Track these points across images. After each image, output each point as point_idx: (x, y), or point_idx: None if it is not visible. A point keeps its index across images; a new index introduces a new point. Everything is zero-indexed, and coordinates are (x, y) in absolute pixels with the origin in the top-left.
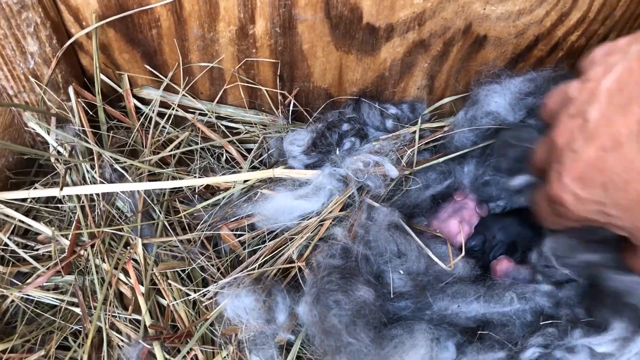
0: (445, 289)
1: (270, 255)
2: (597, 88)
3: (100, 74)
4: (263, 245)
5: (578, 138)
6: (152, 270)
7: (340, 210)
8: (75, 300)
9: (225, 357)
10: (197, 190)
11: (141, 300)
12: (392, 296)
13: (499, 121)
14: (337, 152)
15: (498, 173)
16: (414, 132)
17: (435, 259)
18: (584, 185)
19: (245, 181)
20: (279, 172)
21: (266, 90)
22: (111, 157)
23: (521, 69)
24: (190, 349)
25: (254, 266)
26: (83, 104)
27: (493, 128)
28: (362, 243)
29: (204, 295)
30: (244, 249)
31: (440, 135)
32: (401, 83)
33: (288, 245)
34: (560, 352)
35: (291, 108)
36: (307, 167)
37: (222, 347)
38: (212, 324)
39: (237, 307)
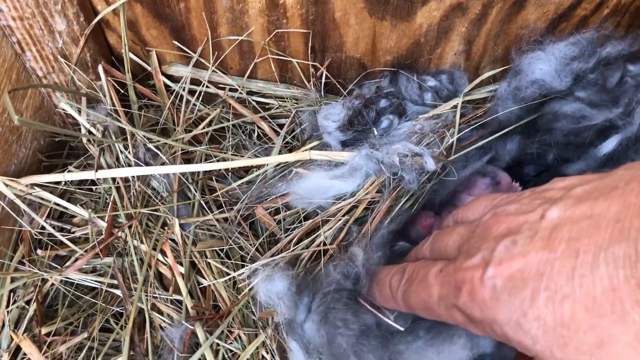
0: None
1: (305, 236)
2: (567, 191)
3: (129, 52)
4: (298, 224)
5: (526, 233)
6: (191, 250)
7: (377, 192)
8: (115, 282)
9: (265, 339)
10: (230, 169)
11: (180, 281)
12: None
13: (545, 90)
14: (375, 132)
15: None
16: (452, 107)
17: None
18: (512, 285)
19: (281, 150)
20: (315, 154)
21: (297, 62)
22: (144, 136)
23: (563, 30)
24: (235, 329)
25: (288, 248)
26: (113, 83)
27: (538, 100)
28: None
29: (240, 275)
30: (280, 229)
31: (482, 113)
32: (437, 49)
33: (322, 227)
34: None
35: (323, 80)
36: (343, 143)
37: (261, 330)
38: (253, 305)
39: (269, 291)
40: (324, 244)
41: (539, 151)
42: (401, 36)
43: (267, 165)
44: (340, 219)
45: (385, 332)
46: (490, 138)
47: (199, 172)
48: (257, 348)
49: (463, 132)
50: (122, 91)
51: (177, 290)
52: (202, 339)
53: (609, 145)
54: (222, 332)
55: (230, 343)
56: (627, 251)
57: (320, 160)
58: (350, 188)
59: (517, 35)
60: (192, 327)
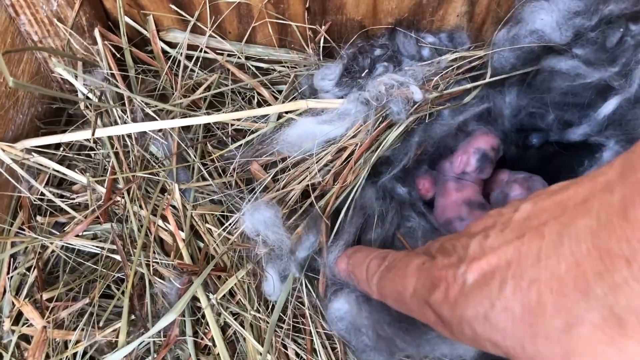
0: None
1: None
2: (543, 191)
3: (125, 16)
4: (289, 172)
5: (498, 228)
6: (191, 215)
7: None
8: (115, 247)
9: (247, 273)
10: (230, 133)
11: (182, 245)
12: None
13: (543, 41)
14: (369, 77)
15: (544, 107)
16: (450, 61)
17: None
18: (481, 280)
19: (278, 118)
20: (312, 103)
21: (296, 26)
22: (142, 101)
23: None
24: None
25: (278, 188)
26: (110, 47)
27: (536, 51)
28: None
29: (229, 231)
30: (274, 180)
31: (477, 56)
32: (440, 11)
33: (308, 169)
34: None
35: (322, 44)
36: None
37: (240, 266)
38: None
39: (256, 220)
40: (312, 179)
41: (540, 111)
42: None
43: (267, 125)
44: (328, 160)
45: None
46: (483, 82)
47: (197, 138)
48: (243, 277)
49: (460, 82)
50: (119, 56)
51: (179, 256)
52: (195, 285)
53: (609, 107)
54: (226, 296)
55: (224, 297)
56: (588, 223)
57: (312, 111)
58: (339, 132)
59: None
60: (181, 286)
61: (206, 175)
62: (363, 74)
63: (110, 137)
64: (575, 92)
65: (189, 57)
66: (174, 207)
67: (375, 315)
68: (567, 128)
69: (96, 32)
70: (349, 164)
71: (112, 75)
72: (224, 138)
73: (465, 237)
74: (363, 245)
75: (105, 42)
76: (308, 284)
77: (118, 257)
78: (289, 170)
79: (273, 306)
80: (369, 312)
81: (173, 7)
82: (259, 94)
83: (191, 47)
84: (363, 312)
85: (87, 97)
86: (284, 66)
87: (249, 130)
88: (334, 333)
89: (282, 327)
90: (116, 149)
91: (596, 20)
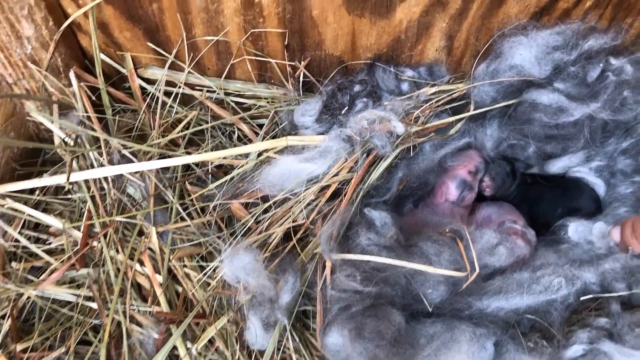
0: (486, 287)
1: (279, 222)
2: None
3: (102, 55)
4: (272, 212)
5: None
6: (170, 259)
7: (348, 172)
8: (92, 294)
9: (228, 320)
10: (210, 171)
11: (159, 291)
12: (431, 311)
13: (523, 75)
14: (349, 114)
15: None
16: (430, 94)
17: (451, 273)
18: None
19: (258, 155)
20: (292, 140)
21: (276, 62)
22: (119, 142)
23: (546, 23)
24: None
25: (259, 231)
26: (86, 89)
27: (516, 85)
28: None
29: (213, 275)
30: (256, 222)
31: (457, 90)
32: (418, 45)
33: (292, 209)
34: (607, 345)
35: (302, 79)
36: (320, 134)
37: (219, 312)
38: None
39: (235, 267)
40: (295, 221)
41: (520, 142)
42: (381, 33)
43: (246, 163)
44: (311, 200)
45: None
46: (464, 115)
47: (176, 177)
48: (224, 327)
49: (440, 115)
50: (94, 97)
51: (157, 301)
52: (174, 337)
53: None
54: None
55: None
56: None
57: (294, 148)
58: (322, 170)
59: (499, 30)
60: (158, 336)
61: (185, 216)
62: (343, 111)
63: (86, 181)
64: (556, 124)
65: (167, 94)
66: (151, 250)
67: (371, 350)
68: (547, 159)
69: (71, 74)
70: (342, 203)
71: (88, 117)
72: (204, 176)
73: None
74: None
75: (81, 83)
76: (294, 332)
77: (95, 305)
78: (271, 209)
79: (255, 354)
80: (364, 347)
81: (151, 45)
82: (239, 129)
83: (170, 83)
84: (357, 346)
85: (63, 141)
86: (264, 101)
87: (230, 166)
88: None
89: None
90: (92, 192)
91: (576, 54)
